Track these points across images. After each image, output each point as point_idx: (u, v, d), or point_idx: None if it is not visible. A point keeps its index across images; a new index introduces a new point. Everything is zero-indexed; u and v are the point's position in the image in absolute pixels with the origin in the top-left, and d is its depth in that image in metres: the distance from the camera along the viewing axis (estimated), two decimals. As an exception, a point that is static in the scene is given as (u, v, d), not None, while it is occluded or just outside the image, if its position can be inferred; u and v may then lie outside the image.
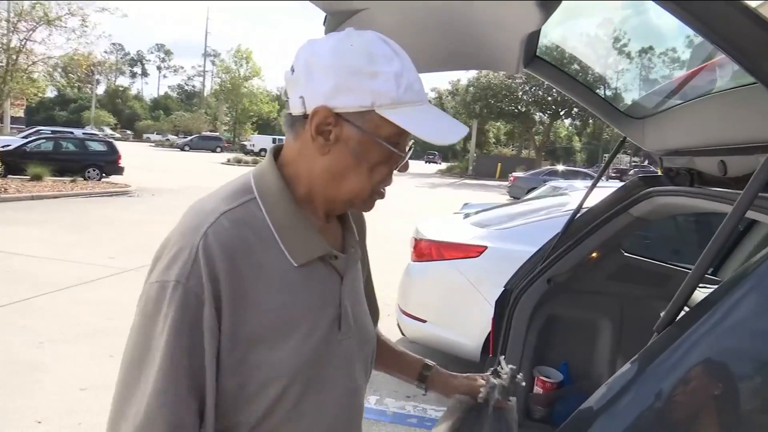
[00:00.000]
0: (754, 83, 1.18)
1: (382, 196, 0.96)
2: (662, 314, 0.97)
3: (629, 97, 2.35)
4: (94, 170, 17.42)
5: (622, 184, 2.25)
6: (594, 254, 2.19)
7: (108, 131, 49.08)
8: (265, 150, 45.59)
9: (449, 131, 0.89)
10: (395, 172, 0.95)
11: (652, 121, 1.89)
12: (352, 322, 0.98)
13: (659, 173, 2.17)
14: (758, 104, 1.17)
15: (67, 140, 18.77)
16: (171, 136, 57.76)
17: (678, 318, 0.93)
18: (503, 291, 2.29)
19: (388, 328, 5.28)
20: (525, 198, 8.11)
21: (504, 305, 2.23)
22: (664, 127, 1.80)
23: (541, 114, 43.09)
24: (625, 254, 2.36)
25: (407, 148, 0.93)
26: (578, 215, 2.18)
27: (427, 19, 1.57)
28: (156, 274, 0.84)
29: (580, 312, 2.35)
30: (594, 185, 2.22)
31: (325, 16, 1.49)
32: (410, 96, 0.87)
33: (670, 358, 0.86)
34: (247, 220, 0.88)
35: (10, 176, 15.11)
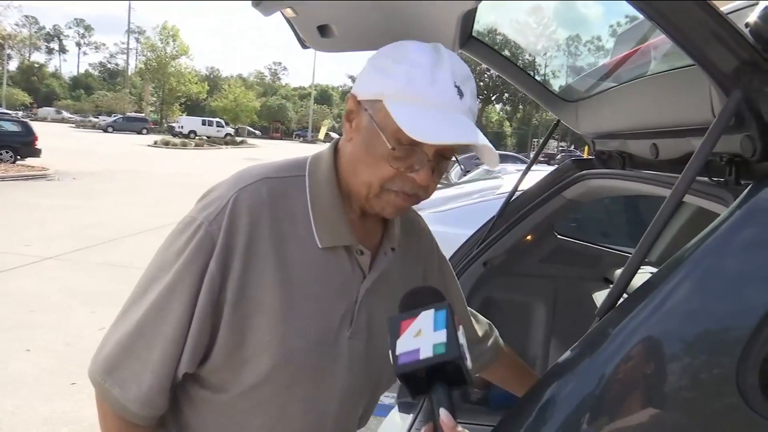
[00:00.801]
0: (689, 66, 1.19)
1: (401, 199, 0.90)
2: (596, 298, 0.97)
3: (563, 81, 2.37)
4: (6, 152, 16.37)
5: (554, 167, 2.27)
6: (529, 237, 2.20)
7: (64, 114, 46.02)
8: (194, 132, 44.31)
9: (447, 131, 0.83)
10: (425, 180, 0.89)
11: (586, 104, 1.91)
12: (366, 325, 0.96)
13: (587, 157, 2.21)
14: (692, 87, 1.18)
15: (-24, 120, 17.50)
16: (93, 118, 55.00)
17: (618, 303, 0.93)
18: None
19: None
20: (459, 181, 8.21)
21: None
22: (597, 110, 1.82)
23: (473, 99, 43.90)
24: (559, 236, 2.40)
25: (430, 154, 0.87)
26: (513, 198, 2.19)
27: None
28: (193, 210, 0.92)
29: (516, 294, 2.37)
30: (528, 168, 2.23)
31: (254, -12, 1.40)
32: (417, 93, 0.84)
33: (612, 343, 0.85)
34: (287, 191, 0.93)
35: None
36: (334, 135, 72.78)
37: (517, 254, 2.22)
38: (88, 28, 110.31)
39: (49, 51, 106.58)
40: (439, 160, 0.89)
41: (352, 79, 53.17)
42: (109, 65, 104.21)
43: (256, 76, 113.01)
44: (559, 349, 2.28)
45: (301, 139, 67.47)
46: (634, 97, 1.56)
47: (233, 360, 0.89)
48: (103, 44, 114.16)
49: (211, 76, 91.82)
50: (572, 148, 47.06)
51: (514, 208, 2.16)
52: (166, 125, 51.49)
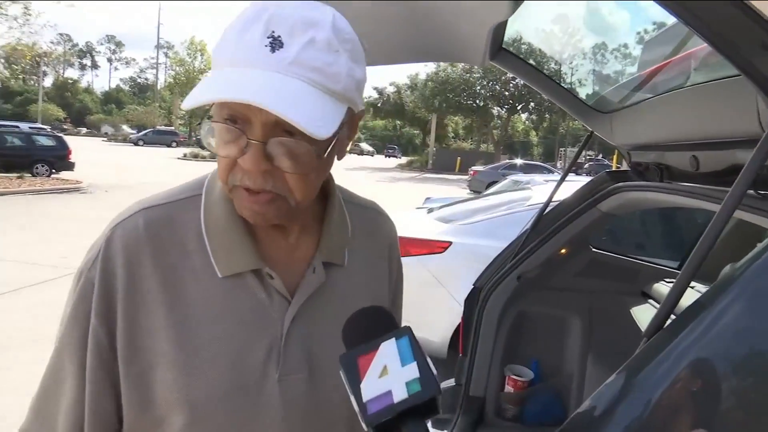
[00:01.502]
0: (733, 77, 1.16)
1: (247, 197, 0.72)
2: (634, 313, 0.94)
3: (595, 92, 2.34)
4: (42, 166, 16.77)
5: (589, 179, 2.23)
6: (563, 250, 2.17)
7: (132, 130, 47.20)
8: None
9: (220, 89, 0.65)
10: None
11: (621, 116, 1.87)
12: (305, 362, 0.79)
13: (616, 168, 2.16)
14: (736, 98, 1.14)
15: (13, 134, 17.98)
16: (126, 128, 56.28)
17: (667, 323, 0.90)
18: (472, 289, 2.25)
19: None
20: (486, 192, 8.17)
21: (473, 303, 2.19)
22: (633, 121, 1.78)
23: (498, 108, 43.60)
24: (593, 249, 2.36)
25: (257, 132, 0.68)
26: (547, 211, 2.16)
27: (390, 10, 1.51)
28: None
29: (550, 309, 2.33)
30: (562, 180, 2.20)
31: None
32: (221, 56, 0.69)
33: (661, 365, 0.82)
34: (173, 218, 0.79)
35: (-49, 173, 14.42)
36: (367, 147, 73.14)
37: (551, 268, 2.19)
38: (119, 44, 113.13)
39: (82, 67, 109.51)
40: (274, 140, 0.68)
41: (377, 90, 53.50)
42: (139, 80, 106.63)
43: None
44: (596, 365, 2.23)
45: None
46: (673, 108, 1.53)
47: (146, 421, 0.76)
48: (134, 59, 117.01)
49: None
50: (600, 156, 46.48)
51: (548, 221, 2.14)
52: (195, 138, 52.33)
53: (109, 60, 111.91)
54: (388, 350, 0.63)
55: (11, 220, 9.87)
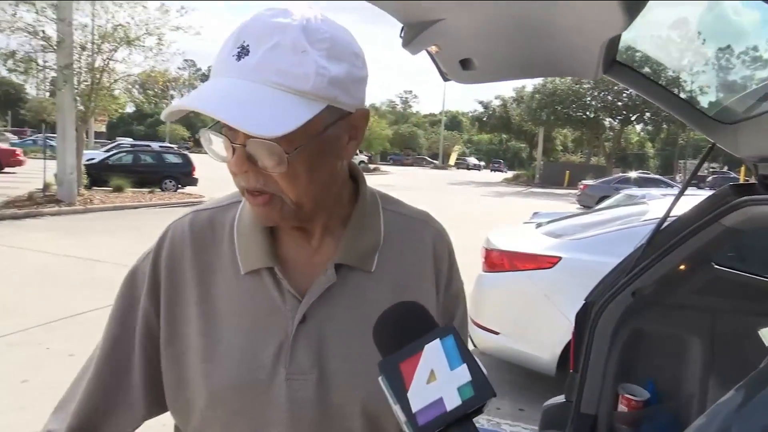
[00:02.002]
0: None
1: (252, 198, 0.77)
2: (763, 335, 0.90)
3: (718, 101, 2.23)
4: (170, 181, 18.22)
5: (710, 192, 2.13)
6: (682, 266, 2.08)
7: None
8: (363, 162, 46.41)
9: (185, 100, 0.69)
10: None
11: (748, 126, 1.78)
12: (316, 364, 0.79)
13: (744, 181, 2.04)
14: None
15: (146, 153, 19.73)
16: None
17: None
18: (584, 304, 2.21)
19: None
20: (597, 207, 7.86)
21: (585, 319, 2.15)
22: (762, 132, 1.69)
23: (610, 120, 41.74)
24: (716, 267, 2.23)
25: (238, 137, 0.71)
26: (663, 225, 2.08)
27: (504, 28, 1.55)
28: None
29: (668, 327, 2.23)
30: (681, 194, 2.12)
31: (402, 28, 1.49)
32: (214, 65, 0.74)
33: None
34: (215, 221, 0.87)
35: (94, 188, 16.04)
36: (474, 160, 72.56)
37: (669, 284, 2.10)
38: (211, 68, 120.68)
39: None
40: (250, 141, 0.71)
41: (482, 104, 53.06)
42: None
43: (388, 105, 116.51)
44: (719, 388, 2.11)
45: (432, 165, 68.22)
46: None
47: (181, 401, 0.83)
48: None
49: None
50: (725, 169, 43.07)
51: (666, 236, 2.06)
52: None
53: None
54: (433, 353, 0.58)
55: (143, 231, 10.83)
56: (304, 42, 0.69)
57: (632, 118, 39.97)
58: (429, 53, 1.68)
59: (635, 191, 11.69)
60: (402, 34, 1.51)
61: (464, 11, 1.41)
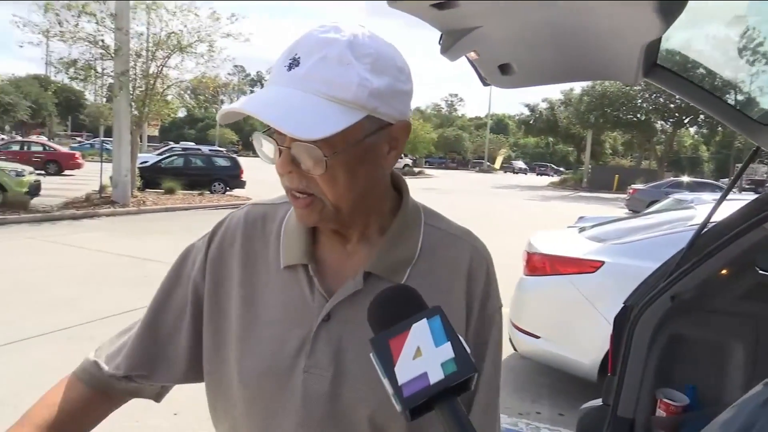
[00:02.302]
0: None
1: (294, 201, 0.82)
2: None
3: (764, 103, 2.19)
4: (219, 184, 18.70)
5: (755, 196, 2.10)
6: (724, 271, 2.05)
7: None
8: (407, 165, 46.56)
9: (239, 104, 0.75)
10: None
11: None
12: (333, 361, 0.83)
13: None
14: None
15: (197, 157, 20.31)
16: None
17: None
18: (623, 307, 2.21)
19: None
20: (644, 212, 7.69)
21: (623, 322, 2.15)
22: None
23: (662, 122, 40.54)
24: (761, 272, 2.19)
25: (285, 140, 0.78)
26: (705, 229, 2.06)
27: (540, 33, 1.57)
28: None
29: (709, 332, 2.20)
30: (723, 197, 2.09)
31: (441, 35, 1.54)
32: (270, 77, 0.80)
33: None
34: (269, 215, 0.95)
35: (147, 190, 16.61)
36: (520, 164, 71.58)
37: (710, 289, 2.08)
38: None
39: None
40: (295, 144, 0.77)
41: (529, 107, 52.29)
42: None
43: (433, 108, 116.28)
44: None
45: (477, 168, 67.70)
46: None
47: (215, 375, 0.91)
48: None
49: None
50: (787, 173, 41.21)
51: (708, 240, 2.04)
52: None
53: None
54: (420, 331, 0.62)
55: (194, 231, 11.16)
56: (349, 55, 0.75)
57: (685, 121, 38.71)
58: (468, 59, 1.72)
59: (685, 195, 11.36)
60: (441, 42, 1.55)
61: (501, 18, 1.44)
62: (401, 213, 0.91)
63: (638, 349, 2.07)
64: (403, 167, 47.32)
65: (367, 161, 0.81)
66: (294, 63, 0.75)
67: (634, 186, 23.48)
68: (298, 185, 0.79)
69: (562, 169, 64.83)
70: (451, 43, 1.52)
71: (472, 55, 1.68)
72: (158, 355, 0.94)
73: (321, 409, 0.82)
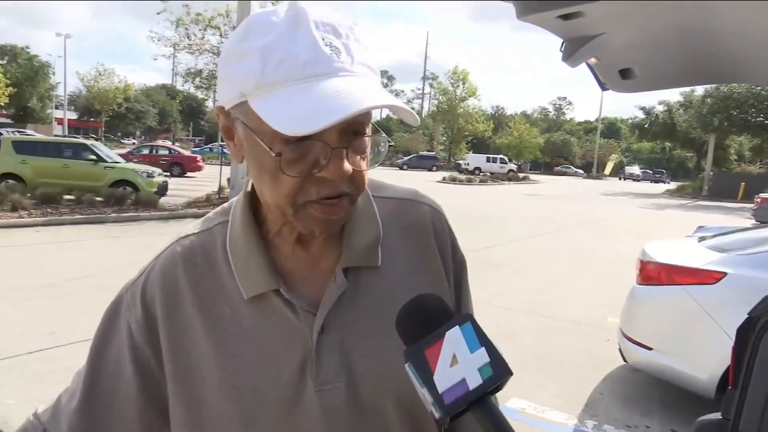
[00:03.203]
0: None
1: (325, 208, 0.72)
2: None
3: None
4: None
5: None
6: None
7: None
8: (479, 168, 46.27)
9: (319, 113, 0.63)
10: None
11: None
12: (344, 370, 0.78)
13: None
14: None
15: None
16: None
17: None
18: (747, 318, 2.11)
19: (606, 353, 5.06)
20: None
21: (747, 334, 2.06)
22: None
23: (799, 125, 36.98)
24: None
25: (333, 139, 0.68)
26: None
27: (664, 37, 1.57)
28: None
29: None
30: None
31: (562, 43, 1.58)
32: (282, 74, 0.66)
33: None
34: (206, 245, 0.83)
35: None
36: (634, 169, 68.04)
37: None
38: (390, 78, 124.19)
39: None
40: (352, 139, 0.70)
41: (644, 110, 49.53)
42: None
43: (540, 112, 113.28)
44: None
45: (584, 174, 65.16)
46: None
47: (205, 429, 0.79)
48: (402, 91, 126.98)
49: (497, 114, 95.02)
50: None
51: None
52: (453, 162, 54.83)
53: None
54: (454, 338, 0.63)
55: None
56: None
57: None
58: (588, 65, 1.75)
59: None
60: (562, 49, 1.60)
61: (624, 24, 1.47)
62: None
63: (764, 362, 1.98)
64: (508, 172, 46.49)
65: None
66: (334, 51, 0.67)
67: (763, 195, 21.59)
68: (345, 188, 0.72)
69: (664, 171, 60.76)
70: (573, 51, 1.56)
71: (593, 60, 1.70)
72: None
73: (346, 421, 0.78)
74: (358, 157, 0.72)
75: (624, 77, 1.83)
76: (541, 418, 3.94)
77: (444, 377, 0.61)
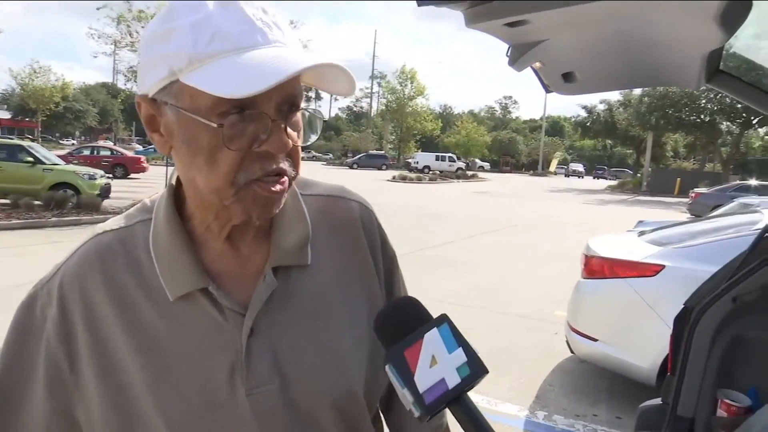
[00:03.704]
0: None
1: (267, 186, 0.70)
2: None
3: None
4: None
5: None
6: (788, 274, 2.06)
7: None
8: (428, 167, 46.68)
9: (261, 75, 0.62)
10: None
11: None
12: (276, 371, 0.75)
13: None
14: None
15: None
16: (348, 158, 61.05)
17: None
18: (683, 308, 2.25)
19: (555, 346, 5.23)
20: (708, 215, 7.51)
21: (683, 323, 2.19)
22: None
23: (728, 123, 38.92)
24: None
25: (271, 111, 0.67)
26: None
27: (605, 44, 1.66)
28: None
29: (772, 335, 2.21)
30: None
31: (508, 48, 1.64)
32: (218, 46, 0.65)
33: None
34: (126, 242, 0.79)
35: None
36: (578, 166, 70.08)
37: (774, 292, 2.09)
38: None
39: (308, 99, 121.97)
40: (287, 116, 0.69)
41: (586, 109, 51.14)
42: (354, 108, 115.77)
43: (487, 111, 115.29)
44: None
45: (531, 172, 66.72)
46: None
47: None
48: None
49: (445, 113, 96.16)
50: None
51: (771, 243, 2.06)
52: (403, 161, 55.21)
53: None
54: (432, 340, 0.65)
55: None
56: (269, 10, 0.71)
57: (754, 122, 37.03)
58: (533, 68, 1.82)
59: (752, 199, 10.95)
60: (508, 53, 1.66)
61: (567, 31, 1.54)
62: None
63: (699, 349, 2.11)
64: (456, 170, 47.11)
65: None
66: (266, 25, 0.68)
67: (697, 190, 22.69)
68: (283, 165, 0.71)
69: (605, 167, 63.20)
70: (518, 56, 1.62)
71: (537, 65, 1.77)
72: None
73: (280, 422, 0.75)
74: (295, 133, 0.71)
75: (566, 80, 1.91)
76: (494, 411, 4.04)
77: (424, 377, 0.63)
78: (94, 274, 0.76)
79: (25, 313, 0.78)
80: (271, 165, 0.69)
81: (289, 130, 0.69)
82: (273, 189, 0.70)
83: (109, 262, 0.77)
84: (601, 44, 1.66)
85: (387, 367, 0.65)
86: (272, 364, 0.75)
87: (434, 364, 0.64)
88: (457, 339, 0.66)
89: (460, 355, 0.65)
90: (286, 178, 0.72)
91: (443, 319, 0.67)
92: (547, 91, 2.05)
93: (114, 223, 0.82)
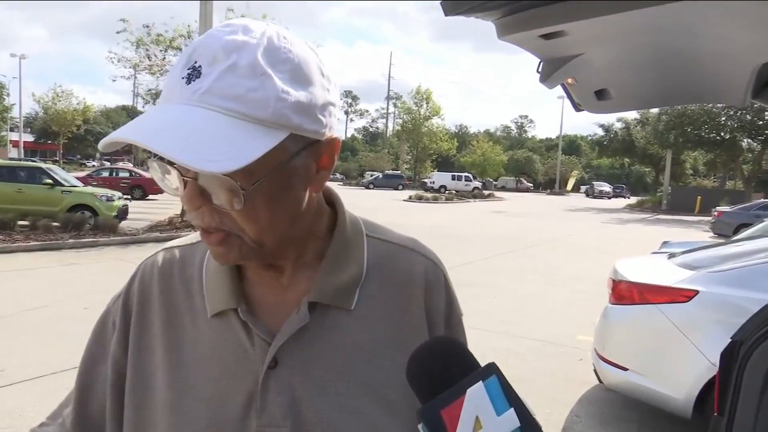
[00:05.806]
0: None
1: (206, 237, 0.68)
2: None
3: None
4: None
5: None
6: None
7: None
8: (444, 186, 46.59)
9: (123, 130, 0.60)
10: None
11: None
12: (290, 413, 0.70)
13: None
14: None
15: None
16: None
17: None
18: (730, 342, 2.06)
19: (579, 373, 5.02)
20: (737, 237, 7.27)
21: (731, 359, 2.01)
22: None
23: (750, 140, 38.37)
24: None
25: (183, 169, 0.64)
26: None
27: (645, 58, 1.53)
28: None
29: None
30: None
31: (539, 63, 1.52)
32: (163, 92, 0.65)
33: None
34: (186, 258, 0.81)
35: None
36: (604, 186, 69.57)
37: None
38: (354, 98, 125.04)
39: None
40: (203, 176, 0.63)
41: (603, 127, 50.92)
42: (371, 129, 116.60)
43: (503, 131, 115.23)
44: None
45: (549, 191, 66.30)
46: None
47: None
48: (367, 111, 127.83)
49: (460, 132, 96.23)
50: None
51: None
52: (419, 181, 55.19)
53: (346, 113, 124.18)
54: (477, 396, 0.52)
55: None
56: (263, 64, 0.61)
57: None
58: (564, 86, 1.69)
59: (781, 219, 10.64)
60: (539, 69, 1.53)
61: (605, 44, 1.42)
62: (338, 230, 0.79)
63: (750, 389, 1.93)
64: (473, 190, 46.94)
65: (293, 186, 0.68)
66: (194, 74, 0.61)
67: (720, 208, 22.25)
68: (210, 222, 0.66)
69: (624, 186, 62.49)
70: (550, 72, 1.50)
71: (569, 81, 1.65)
72: None
73: None
74: (221, 194, 0.63)
75: (599, 98, 1.78)
76: (518, 444, 3.84)
77: None
78: (154, 286, 0.79)
79: (99, 330, 0.83)
80: (195, 219, 0.66)
81: (210, 189, 0.63)
82: (207, 242, 0.68)
83: (167, 276, 0.80)
84: (639, 59, 1.53)
85: (420, 426, 0.52)
86: (289, 405, 0.70)
87: (479, 429, 0.51)
88: (507, 396, 0.52)
89: (511, 419, 0.51)
90: (223, 234, 0.66)
91: (491, 369, 0.54)
92: (577, 109, 1.92)
93: (184, 239, 0.85)
